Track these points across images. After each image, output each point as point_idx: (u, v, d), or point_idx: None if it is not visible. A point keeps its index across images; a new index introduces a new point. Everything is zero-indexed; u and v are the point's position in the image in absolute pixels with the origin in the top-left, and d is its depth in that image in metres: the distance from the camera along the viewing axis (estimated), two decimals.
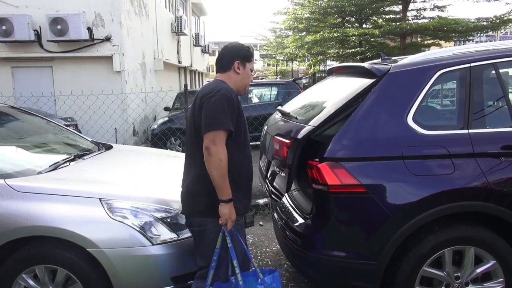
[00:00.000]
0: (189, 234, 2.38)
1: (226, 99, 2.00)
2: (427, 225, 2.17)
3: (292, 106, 3.12)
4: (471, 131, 2.21)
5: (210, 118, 1.98)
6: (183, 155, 3.91)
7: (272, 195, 2.74)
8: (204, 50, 22.44)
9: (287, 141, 2.39)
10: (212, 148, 1.95)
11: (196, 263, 2.23)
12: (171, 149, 8.06)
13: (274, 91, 9.70)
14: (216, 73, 2.23)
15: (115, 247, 2.22)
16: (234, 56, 2.16)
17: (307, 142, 2.28)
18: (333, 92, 2.77)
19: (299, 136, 2.30)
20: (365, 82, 2.38)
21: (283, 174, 2.27)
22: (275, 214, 2.90)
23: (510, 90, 2.58)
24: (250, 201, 2.27)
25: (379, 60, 2.84)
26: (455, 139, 2.21)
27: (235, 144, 2.08)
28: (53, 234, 2.24)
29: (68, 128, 4.01)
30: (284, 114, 2.89)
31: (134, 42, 9.90)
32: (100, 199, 2.32)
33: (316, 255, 2.25)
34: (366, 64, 2.54)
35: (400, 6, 17.97)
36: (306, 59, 24.71)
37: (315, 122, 2.34)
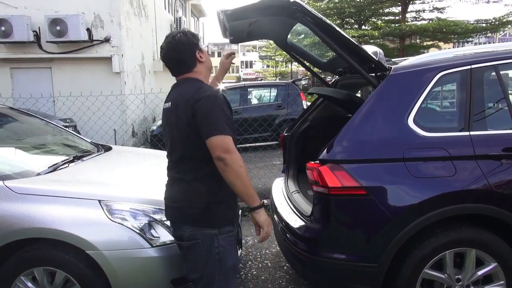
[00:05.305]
0: None
1: (220, 99, 1.82)
2: (428, 227, 2.16)
3: None
4: (472, 133, 2.21)
5: (211, 123, 1.76)
6: None
7: None
8: None
9: None
10: (227, 157, 1.73)
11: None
12: None
13: (274, 92, 9.72)
14: (178, 75, 2.02)
15: (114, 249, 2.20)
16: (192, 47, 1.95)
17: None
18: None
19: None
20: None
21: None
22: (275, 216, 2.89)
23: (510, 92, 2.57)
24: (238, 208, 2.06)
25: None
26: (456, 141, 2.21)
27: None
28: (52, 236, 2.22)
29: (67, 129, 3.99)
30: None
31: (134, 43, 9.89)
32: (99, 201, 2.31)
33: (317, 257, 2.25)
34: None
35: (400, 8, 18.05)
36: None
37: None
